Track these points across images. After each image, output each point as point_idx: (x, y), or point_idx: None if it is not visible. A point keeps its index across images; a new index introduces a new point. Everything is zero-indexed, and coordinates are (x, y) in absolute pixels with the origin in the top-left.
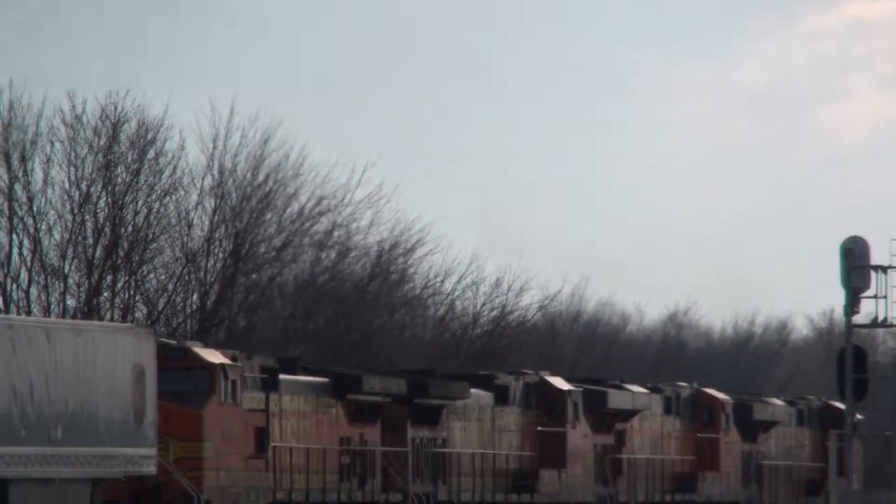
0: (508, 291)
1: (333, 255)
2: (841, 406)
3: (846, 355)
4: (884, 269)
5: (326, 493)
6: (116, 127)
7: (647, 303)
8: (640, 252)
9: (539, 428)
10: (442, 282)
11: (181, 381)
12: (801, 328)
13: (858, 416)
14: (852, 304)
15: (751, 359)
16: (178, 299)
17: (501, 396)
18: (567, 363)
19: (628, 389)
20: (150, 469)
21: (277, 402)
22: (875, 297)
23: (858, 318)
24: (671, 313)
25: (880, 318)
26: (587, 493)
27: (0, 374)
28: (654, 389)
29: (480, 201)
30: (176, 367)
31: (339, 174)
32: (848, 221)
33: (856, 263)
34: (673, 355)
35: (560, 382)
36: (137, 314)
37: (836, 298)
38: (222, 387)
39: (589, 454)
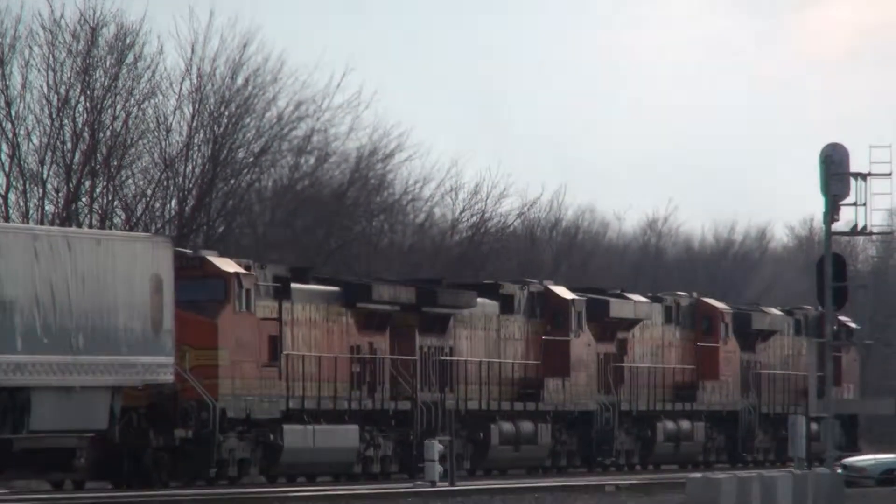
0: (487, 198)
1: (312, 160)
2: (840, 317)
3: (825, 263)
4: (863, 177)
5: (337, 401)
6: (95, 31)
7: (626, 210)
8: (620, 159)
9: (544, 337)
10: (421, 188)
11: (197, 290)
12: (780, 236)
13: (854, 326)
14: (832, 212)
15: (730, 267)
16: (157, 205)
17: (507, 305)
18: (546, 270)
19: (630, 299)
20: (168, 377)
21: (290, 311)
22: (855, 204)
23: (838, 226)
24: (650, 221)
25: (860, 225)
26: (590, 402)
27: (24, 284)
28: (654, 299)
29: (464, 106)
30: (191, 276)
31: (318, 79)
32: (828, 128)
33: (835, 171)
34: (652, 263)
35: (564, 292)
36: (116, 220)
37: (815, 206)
38: (237, 295)
39: (592, 363)
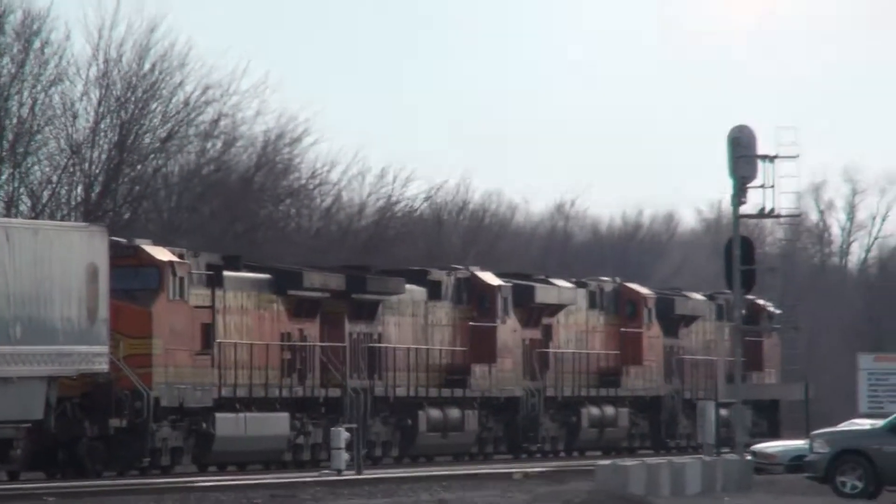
0: (394, 181)
1: (219, 145)
2: (760, 301)
3: (733, 246)
4: (771, 159)
5: (268, 389)
6: (1, 18)
7: (534, 193)
8: (528, 143)
9: (471, 323)
10: (328, 172)
11: (131, 279)
12: (688, 219)
13: (777, 311)
14: (739, 195)
15: (638, 250)
16: (63, 191)
17: (434, 291)
18: (453, 254)
19: (555, 284)
20: (103, 367)
21: (222, 299)
22: (762, 186)
23: (746, 209)
24: (558, 204)
25: (767, 208)
26: (516, 388)
27: None
28: (578, 284)
29: (371, 90)
30: (125, 264)
31: (225, 63)
32: (735, 111)
33: (742, 153)
34: (560, 246)
35: (490, 277)
36: (22, 207)
37: (723, 189)
38: (171, 284)
39: (518, 349)
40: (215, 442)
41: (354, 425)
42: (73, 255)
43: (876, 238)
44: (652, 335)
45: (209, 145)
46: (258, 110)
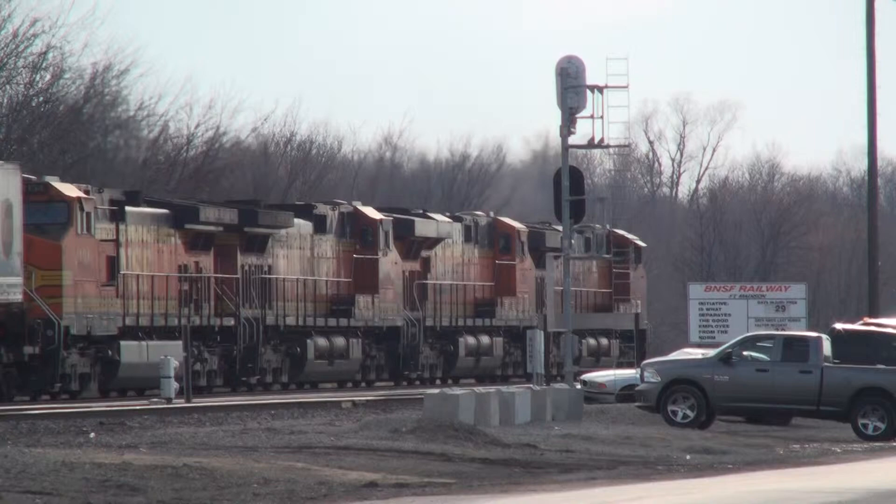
0: (222, 112)
1: (48, 77)
2: (623, 233)
3: (562, 176)
4: (600, 89)
5: (168, 318)
6: None
7: (361, 124)
8: (356, 73)
9: (355, 255)
10: (156, 103)
11: (41, 214)
12: (517, 150)
13: (642, 244)
14: (568, 125)
15: (466, 180)
16: None
17: (319, 225)
18: (281, 185)
19: (433, 218)
20: (17, 297)
21: (125, 233)
22: (591, 117)
23: (575, 140)
24: (386, 135)
25: (597, 139)
26: (397, 318)
27: None
28: (454, 218)
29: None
30: (36, 200)
31: None
32: (563, 42)
33: (571, 83)
34: (388, 177)
35: (372, 212)
36: None
37: (552, 120)
38: (79, 219)
39: (398, 280)
40: (120, 368)
41: (184, 354)
42: None
43: (706, 169)
44: (525, 267)
45: (38, 77)
46: (86, 42)
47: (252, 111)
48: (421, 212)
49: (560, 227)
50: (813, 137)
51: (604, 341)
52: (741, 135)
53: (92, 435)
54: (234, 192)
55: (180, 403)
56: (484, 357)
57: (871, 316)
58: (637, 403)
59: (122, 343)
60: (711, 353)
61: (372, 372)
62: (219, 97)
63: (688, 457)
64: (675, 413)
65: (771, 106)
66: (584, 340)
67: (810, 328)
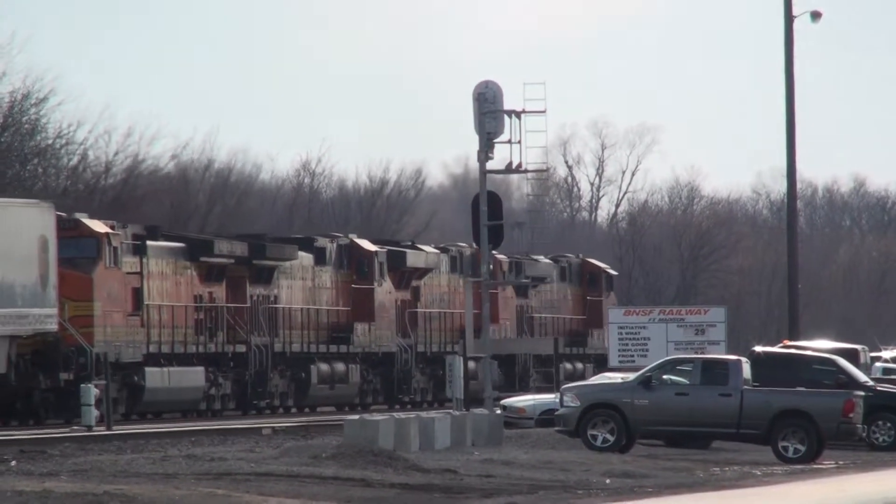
0: (140, 140)
1: None
2: (595, 262)
3: (480, 201)
4: (517, 114)
5: (187, 346)
6: None
7: (279, 151)
8: (274, 101)
9: (353, 286)
10: (74, 131)
11: (73, 248)
12: (436, 174)
13: (614, 272)
14: (486, 150)
15: (385, 206)
16: None
17: (320, 257)
18: (200, 212)
19: (422, 250)
20: (53, 326)
21: (147, 265)
22: (510, 142)
23: (494, 164)
24: (304, 161)
25: (515, 163)
26: (392, 344)
27: None
28: (442, 249)
29: (116, 49)
30: (68, 236)
31: None
32: (480, 67)
33: (488, 108)
34: (307, 203)
35: (367, 244)
36: None
37: (471, 145)
38: (107, 253)
39: (392, 308)
40: (145, 393)
41: (104, 381)
42: (28, 228)
43: (625, 193)
44: (507, 296)
45: None
46: (4, 71)
47: (170, 138)
48: (410, 243)
49: (538, 258)
50: (732, 160)
51: (579, 365)
52: (660, 158)
53: (13, 463)
54: (154, 220)
55: (101, 431)
56: (472, 381)
57: (791, 339)
58: (557, 428)
59: (147, 369)
60: (631, 376)
61: (369, 396)
62: (137, 125)
63: (607, 481)
64: (594, 437)
65: (690, 129)
66: (561, 365)
67: (730, 351)
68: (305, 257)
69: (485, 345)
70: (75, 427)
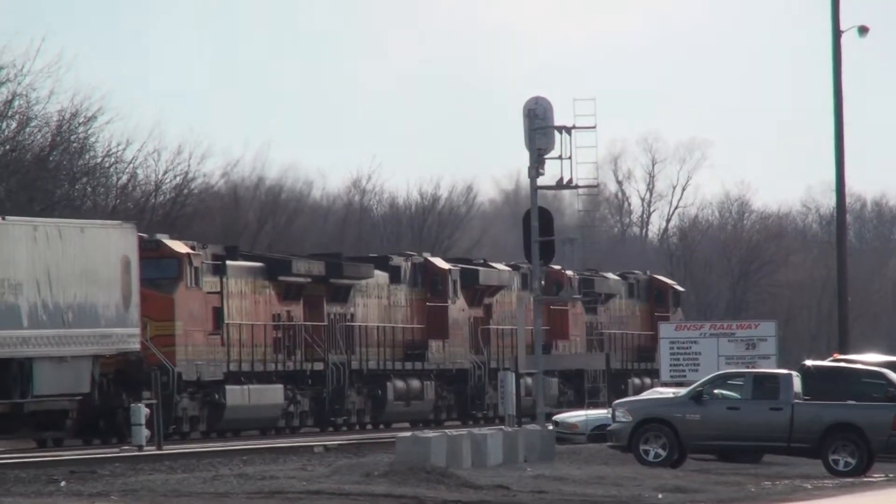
0: (190, 158)
1: (14, 125)
2: (662, 279)
3: (532, 217)
4: (568, 130)
5: (266, 364)
6: None
7: (330, 168)
8: (325, 116)
9: (427, 304)
10: (123, 150)
11: (154, 269)
12: (487, 191)
13: (681, 289)
14: (536, 166)
15: (437, 222)
16: None
17: (395, 276)
18: (250, 230)
19: (494, 267)
20: (136, 346)
21: (226, 285)
22: (560, 158)
23: (544, 180)
24: (355, 179)
25: (565, 179)
26: (465, 361)
27: (28, 269)
28: (513, 267)
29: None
30: (149, 256)
31: (18, 43)
32: (531, 83)
33: (539, 124)
34: (357, 221)
35: (441, 262)
36: None
37: (522, 160)
38: (188, 273)
39: (465, 326)
40: (226, 411)
41: (154, 401)
42: (111, 249)
43: (675, 208)
44: (576, 312)
45: (3, 125)
46: (52, 89)
47: (221, 156)
48: (482, 261)
49: (607, 275)
50: (782, 175)
51: (647, 380)
52: (710, 173)
53: (63, 483)
54: (205, 238)
55: (151, 451)
56: (560, 396)
57: (841, 352)
58: (609, 443)
59: (227, 387)
60: (682, 391)
61: (443, 412)
62: (187, 142)
63: (660, 496)
64: (646, 452)
65: (740, 144)
66: (630, 380)
67: (781, 365)
68: (381, 276)
69: (537, 360)
70: (126, 447)
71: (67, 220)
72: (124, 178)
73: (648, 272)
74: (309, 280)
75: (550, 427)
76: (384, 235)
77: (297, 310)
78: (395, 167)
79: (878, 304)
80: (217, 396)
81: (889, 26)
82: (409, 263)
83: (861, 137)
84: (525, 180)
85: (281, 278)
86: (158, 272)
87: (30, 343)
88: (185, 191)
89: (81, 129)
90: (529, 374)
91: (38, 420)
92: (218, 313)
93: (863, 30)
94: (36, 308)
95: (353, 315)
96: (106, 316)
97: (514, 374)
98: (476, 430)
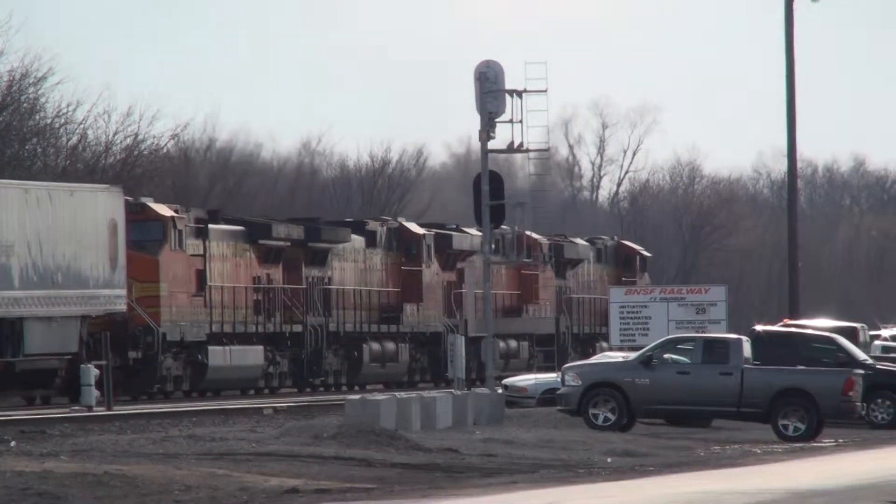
0: (140, 119)
1: None
2: (630, 244)
3: (482, 181)
4: (519, 94)
5: (247, 325)
6: None
7: (281, 130)
8: (281, 75)
9: (402, 267)
10: (74, 111)
11: (139, 232)
12: (439, 154)
13: (647, 254)
14: (487, 129)
15: (387, 185)
16: None
17: (370, 240)
18: (201, 192)
19: (467, 232)
20: (122, 307)
21: (209, 248)
22: (511, 121)
23: (495, 144)
24: (305, 141)
25: (516, 143)
26: (439, 324)
27: (19, 231)
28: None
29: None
30: (135, 219)
31: None
32: (483, 48)
33: (490, 88)
34: (307, 183)
35: (415, 227)
36: None
37: (473, 124)
38: (172, 236)
39: (439, 290)
40: (208, 371)
41: (104, 362)
42: (99, 212)
43: (626, 172)
44: (547, 277)
45: None
46: (2, 50)
47: (171, 118)
48: (455, 226)
49: (576, 240)
50: (733, 140)
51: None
52: (661, 138)
53: (13, 443)
54: (155, 198)
55: (101, 411)
56: (512, 359)
57: (791, 317)
58: (558, 407)
59: (210, 348)
60: (632, 356)
61: (417, 374)
62: (137, 104)
63: (609, 460)
64: (596, 416)
65: (691, 109)
66: (598, 344)
67: (731, 330)
68: (357, 240)
69: (487, 324)
70: (75, 407)
71: (57, 183)
72: (74, 138)
73: (616, 237)
74: (288, 244)
75: (500, 390)
76: (334, 198)
77: (277, 273)
78: (346, 131)
79: (828, 270)
80: (200, 357)
81: None
82: (385, 228)
83: (813, 103)
84: (476, 144)
85: (261, 242)
86: (143, 234)
87: (21, 303)
88: (136, 152)
89: (31, 89)
90: (503, 338)
91: (27, 378)
92: (201, 276)
93: None
94: (27, 269)
95: (330, 278)
96: (94, 277)
97: (462, 338)
98: (425, 394)
